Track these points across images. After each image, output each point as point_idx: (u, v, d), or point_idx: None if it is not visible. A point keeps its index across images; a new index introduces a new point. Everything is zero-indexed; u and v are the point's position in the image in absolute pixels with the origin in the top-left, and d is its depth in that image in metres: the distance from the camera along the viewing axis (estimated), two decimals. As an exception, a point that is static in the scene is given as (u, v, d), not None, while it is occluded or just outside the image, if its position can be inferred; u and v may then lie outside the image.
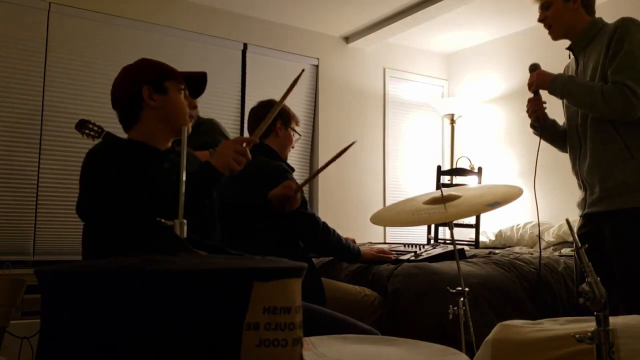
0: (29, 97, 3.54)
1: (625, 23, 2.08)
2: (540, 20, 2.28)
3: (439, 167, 4.62)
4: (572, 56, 2.29)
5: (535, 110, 2.29)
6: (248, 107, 4.27)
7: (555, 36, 2.27)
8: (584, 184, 2.22)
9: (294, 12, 4.37)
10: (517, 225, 4.15)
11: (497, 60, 4.88)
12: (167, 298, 0.68)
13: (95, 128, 2.94)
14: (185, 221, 1.01)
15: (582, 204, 2.24)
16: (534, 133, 2.38)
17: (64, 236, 3.56)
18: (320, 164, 4.61)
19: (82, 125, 2.93)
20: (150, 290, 0.68)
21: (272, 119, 1.71)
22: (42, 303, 0.77)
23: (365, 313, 2.35)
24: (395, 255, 2.69)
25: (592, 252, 2.10)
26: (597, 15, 2.25)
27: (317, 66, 4.71)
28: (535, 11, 2.36)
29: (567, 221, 1.24)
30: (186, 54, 4.06)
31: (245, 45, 4.36)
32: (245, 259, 0.84)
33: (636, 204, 2.04)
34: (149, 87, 1.66)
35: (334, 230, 2.43)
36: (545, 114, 2.31)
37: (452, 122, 4.88)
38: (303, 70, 1.83)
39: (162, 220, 1.01)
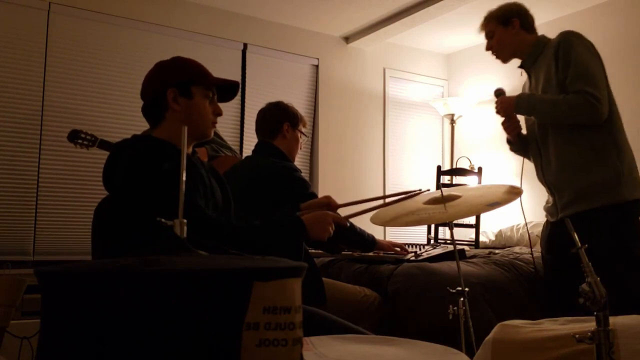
0: (29, 98, 3.54)
1: (566, 37, 2.22)
2: (487, 49, 2.47)
3: (439, 167, 4.61)
4: (523, 73, 2.46)
5: (513, 130, 2.44)
6: (248, 106, 4.28)
7: (504, 59, 2.46)
8: (551, 190, 2.32)
9: (294, 12, 4.37)
10: (517, 225, 4.14)
11: (497, 60, 4.87)
12: (167, 298, 0.68)
13: (88, 137, 2.88)
14: (185, 221, 1.01)
15: (554, 209, 2.30)
16: (510, 149, 2.55)
17: (64, 236, 3.55)
18: (321, 164, 4.64)
19: (74, 136, 2.88)
20: (150, 290, 0.68)
21: None
22: (42, 303, 0.77)
23: (365, 313, 2.35)
24: (407, 253, 2.70)
25: (568, 255, 2.12)
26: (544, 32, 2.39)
27: (317, 66, 4.71)
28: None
29: (567, 221, 1.24)
30: (186, 54, 4.00)
31: (245, 45, 4.36)
32: (245, 259, 0.84)
33: (608, 201, 2.12)
34: (176, 89, 1.64)
35: None
36: (520, 131, 2.47)
37: (452, 122, 4.88)
38: (421, 190, 2.08)
39: (162, 220, 1.01)
